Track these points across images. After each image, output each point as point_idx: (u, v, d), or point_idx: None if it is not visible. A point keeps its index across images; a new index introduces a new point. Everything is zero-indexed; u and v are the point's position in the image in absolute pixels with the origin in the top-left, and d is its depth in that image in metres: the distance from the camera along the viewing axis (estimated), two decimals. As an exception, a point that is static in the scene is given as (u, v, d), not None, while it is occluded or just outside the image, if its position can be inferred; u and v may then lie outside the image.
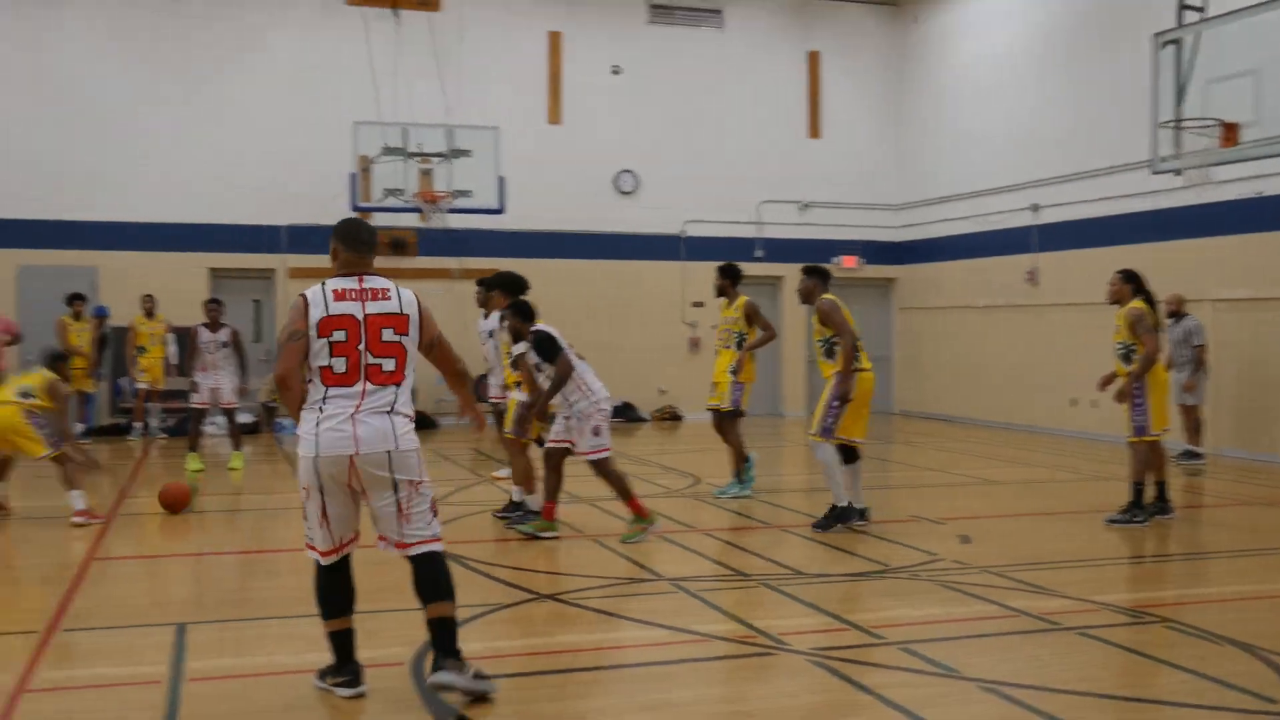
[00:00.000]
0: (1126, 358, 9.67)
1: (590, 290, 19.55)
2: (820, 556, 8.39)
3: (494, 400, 11.20)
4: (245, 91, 18.26)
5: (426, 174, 16.77)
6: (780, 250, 20.53)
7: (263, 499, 11.55)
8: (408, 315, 5.15)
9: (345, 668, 5.22)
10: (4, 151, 17.27)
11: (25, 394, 9.82)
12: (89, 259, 17.60)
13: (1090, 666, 5.76)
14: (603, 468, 8.86)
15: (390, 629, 6.28)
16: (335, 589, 5.24)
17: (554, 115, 19.75)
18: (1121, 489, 10.17)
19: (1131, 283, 9.79)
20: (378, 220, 18.28)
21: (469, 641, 6.11)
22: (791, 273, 20.54)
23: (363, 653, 5.33)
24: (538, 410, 8.93)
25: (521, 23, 19.56)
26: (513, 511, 9.66)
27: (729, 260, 11.62)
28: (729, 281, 11.22)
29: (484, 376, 11.69)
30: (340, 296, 5.06)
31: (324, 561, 5.20)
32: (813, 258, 20.84)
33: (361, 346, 5.03)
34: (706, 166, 20.30)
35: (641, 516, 8.89)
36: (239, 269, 18.29)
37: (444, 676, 5.11)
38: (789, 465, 14.64)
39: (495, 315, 10.92)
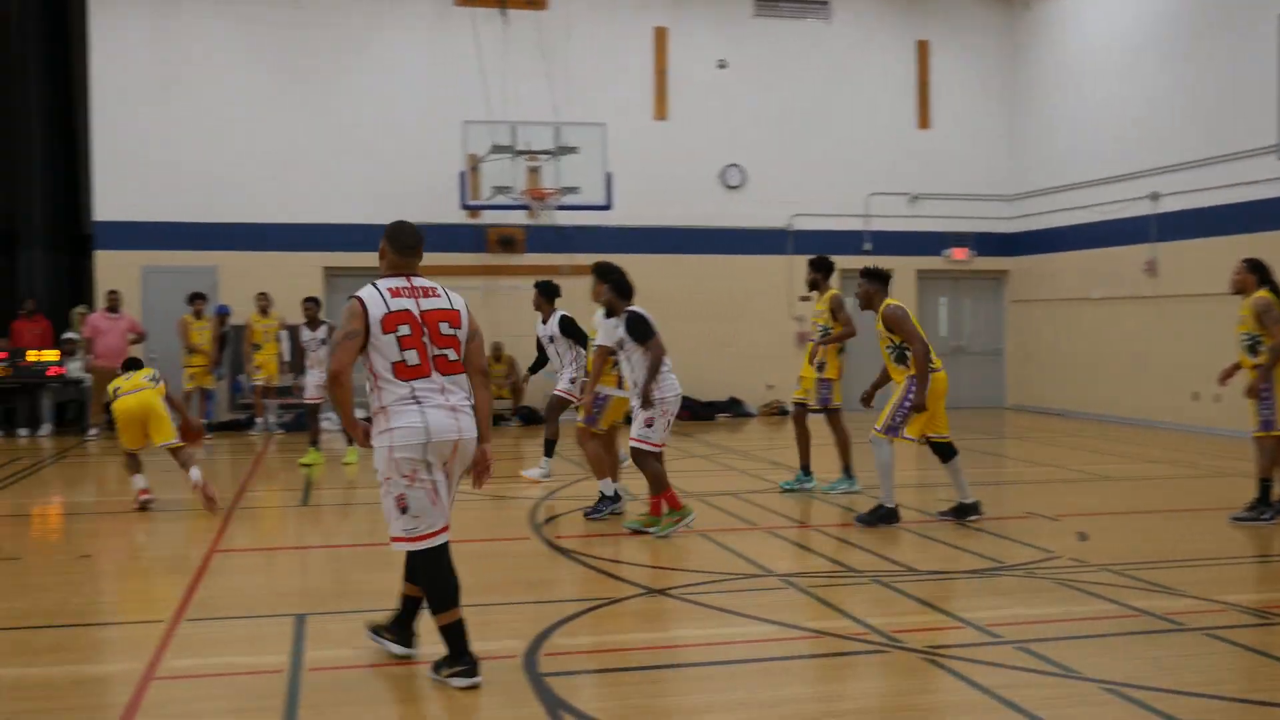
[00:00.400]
0: (1252, 349, 9.35)
1: (697, 285, 19.54)
2: (933, 553, 8.27)
3: (562, 393, 11.34)
4: (357, 93, 18.60)
5: (534, 171, 16.93)
6: (890, 243, 20.28)
7: (377, 493, 11.74)
8: (458, 310, 5.42)
9: (462, 658, 5.29)
10: (128, 156, 17.85)
11: (155, 379, 10.22)
12: (209, 259, 18.13)
13: (1217, 669, 5.59)
14: (642, 460, 8.88)
15: (501, 621, 6.35)
16: (447, 573, 5.32)
17: (660, 111, 19.76)
18: (1246, 485, 9.84)
19: (1257, 272, 9.45)
20: (487, 217, 18.57)
21: (580, 635, 6.17)
22: (901, 265, 20.47)
23: (474, 645, 5.39)
24: (643, 396, 8.88)
25: (627, 19, 19.61)
26: (603, 507, 9.67)
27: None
28: (820, 274, 11.07)
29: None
30: (396, 294, 5.31)
31: (434, 543, 5.28)
32: (923, 250, 20.67)
33: (426, 339, 5.27)
34: (814, 159, 20.15)
35: (654, 515, 8.90)
36: (352, 267, 18.63)
37: (395, 648, 5.67)
38: (900, 462, 14.42)
39: (554, 320, 11.18)
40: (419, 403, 5.20)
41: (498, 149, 16.81)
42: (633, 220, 18.90)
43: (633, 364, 8.90)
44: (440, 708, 5.13)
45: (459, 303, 5.46)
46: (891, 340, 9.22)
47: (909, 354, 9.12)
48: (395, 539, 5.34)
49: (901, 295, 20.59)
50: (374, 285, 5.33)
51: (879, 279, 9.49)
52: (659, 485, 8.89)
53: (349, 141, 18.48)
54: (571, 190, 16.94)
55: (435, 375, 5.26)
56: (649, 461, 8.89)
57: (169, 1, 18.14)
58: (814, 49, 20.29)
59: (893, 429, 9.14)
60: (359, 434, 5.38)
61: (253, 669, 5.62)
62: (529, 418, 17.40)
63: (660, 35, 19.73)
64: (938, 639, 5.99)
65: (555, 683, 5.31)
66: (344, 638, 6.18)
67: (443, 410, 5.23)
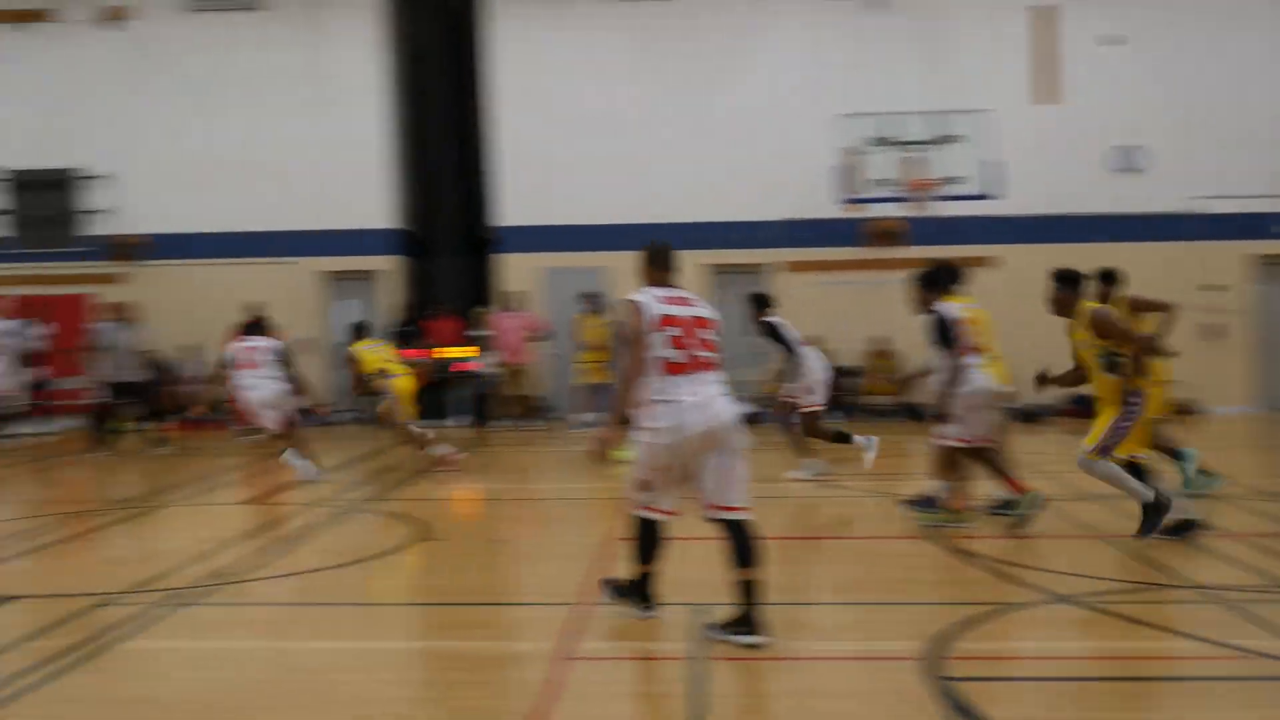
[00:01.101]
0: None
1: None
2: (1379, 570, 7.42)
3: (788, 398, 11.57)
4: (737, 92, 18.85)
5: (914, 162, 16.63)
6: (1309, 226, 18.41)
7: (776, 488, 11.91)
8: (712, 318, 6.17)
9: (646, 599, 6.34)
10: (526, 164, 18.87)
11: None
12: (602, 259, 18.90)
13: None
14: (944, 456, 8.87)
15: (893, 621, 6.27)
16: (658, 541, 6.25)
17: (1046, 93, 18.82)
18: None
19: None
20: (864, 211, 18.38)
21: (982, 640, 6.00)
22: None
23: (864, 645, 5.36)
24: (941, 410, 8.75)
25: (1008, 0, 18.84)
26: (925, 505, 9.30)
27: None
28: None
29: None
30: (666, 300, 6.07)
31: (660, 518, 6.18)
32: (1352, 232, 18.56)
33: (689, 341, 5.96)
34: (1217, 135, 18.44)
35: (953, 509, 8.80)
36: (734, 265, 18.94)
37: (745, 640, 5.81)
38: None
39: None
40: (676, 400, 5.85)
41: (875, 141, 16.66)
42: (1020, 209, 18.09)
43: (938, 366, 8.87)
44: (835, 707, 5.11)
45: (712, 311, 6.22)
46: (1101, 347, 8.34)
47: (1121, 361, 8.22)
48: (634, 509, 6.16)
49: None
50: (645, 291, 6.11)
51: (1074, 283, 8.49)
52: (952, 481, 8.86)
53: (729, 141, 18.76)
54: (953, 180, 16.52)
55: (697, 370, 5.93)
56: (952, 459, 8.84)
57: (561, 13, 19.14)
58: (1212, 14, 18.65)
59: (1105, 449, 8.28)
60: (611, 439, 6.09)
61: (657, 654, 5.83)
62: (914, 414, 17.05)
63: (1044, 15, 18.80)
64: (1396, 667, 5.36)
65: (961, 688, 5.17)
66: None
67: (695, 406, 5.85)
